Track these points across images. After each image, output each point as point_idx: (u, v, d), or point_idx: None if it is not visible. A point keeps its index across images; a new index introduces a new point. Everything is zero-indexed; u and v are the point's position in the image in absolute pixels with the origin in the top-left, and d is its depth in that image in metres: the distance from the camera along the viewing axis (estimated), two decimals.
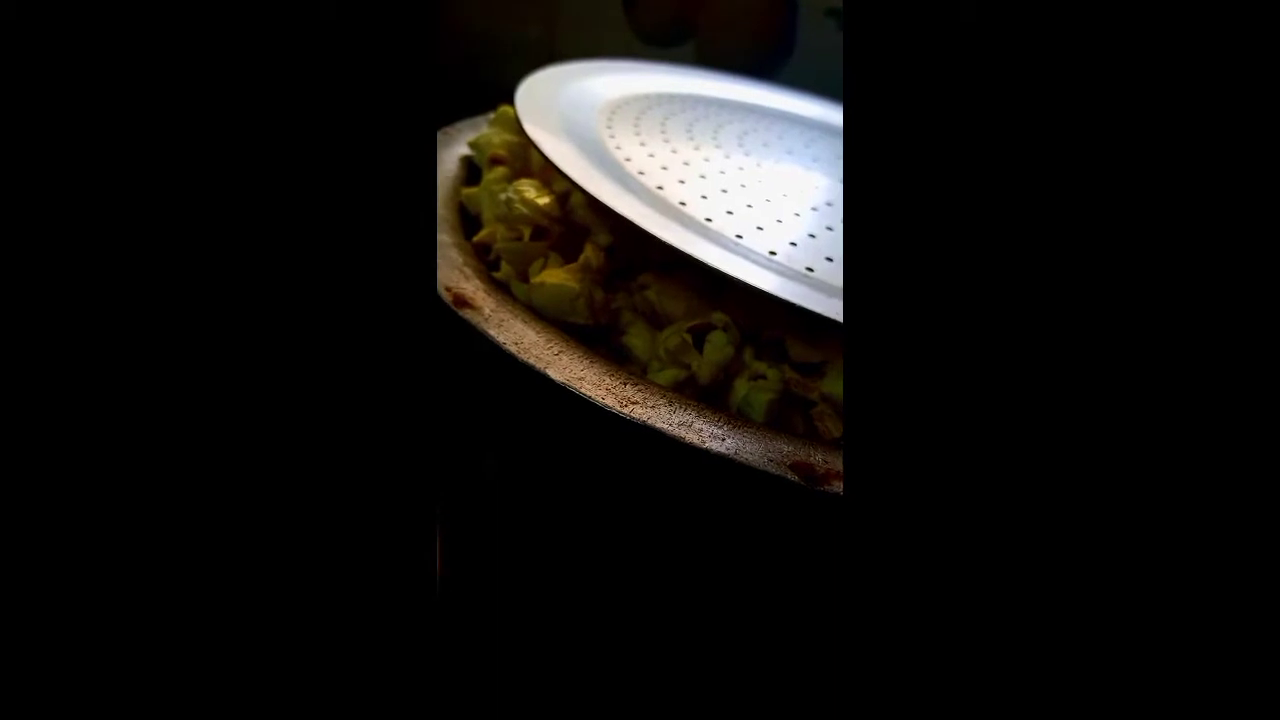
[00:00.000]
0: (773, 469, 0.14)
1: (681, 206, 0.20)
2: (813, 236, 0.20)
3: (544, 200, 0.20)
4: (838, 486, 0.14)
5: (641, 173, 0.21)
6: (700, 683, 0.18)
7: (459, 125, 0.29)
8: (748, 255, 0.18)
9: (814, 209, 0.22)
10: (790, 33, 0.45)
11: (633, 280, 0.21)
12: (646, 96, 0.29)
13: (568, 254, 0.20)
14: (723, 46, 0.44)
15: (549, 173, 0.23)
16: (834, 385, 0.17)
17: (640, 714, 0.19)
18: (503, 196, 0.20)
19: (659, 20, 0.43)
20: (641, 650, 0.18)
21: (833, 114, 0.36)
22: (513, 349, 0.16)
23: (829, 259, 0.19)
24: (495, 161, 0.25)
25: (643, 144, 0.24)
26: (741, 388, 0.17)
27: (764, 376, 0.17)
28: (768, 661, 0.17)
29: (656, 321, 0.20)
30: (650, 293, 0.20)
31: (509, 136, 0.26)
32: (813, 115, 0.35)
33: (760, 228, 0.20)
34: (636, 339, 0.19)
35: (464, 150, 0.27)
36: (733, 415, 0.16)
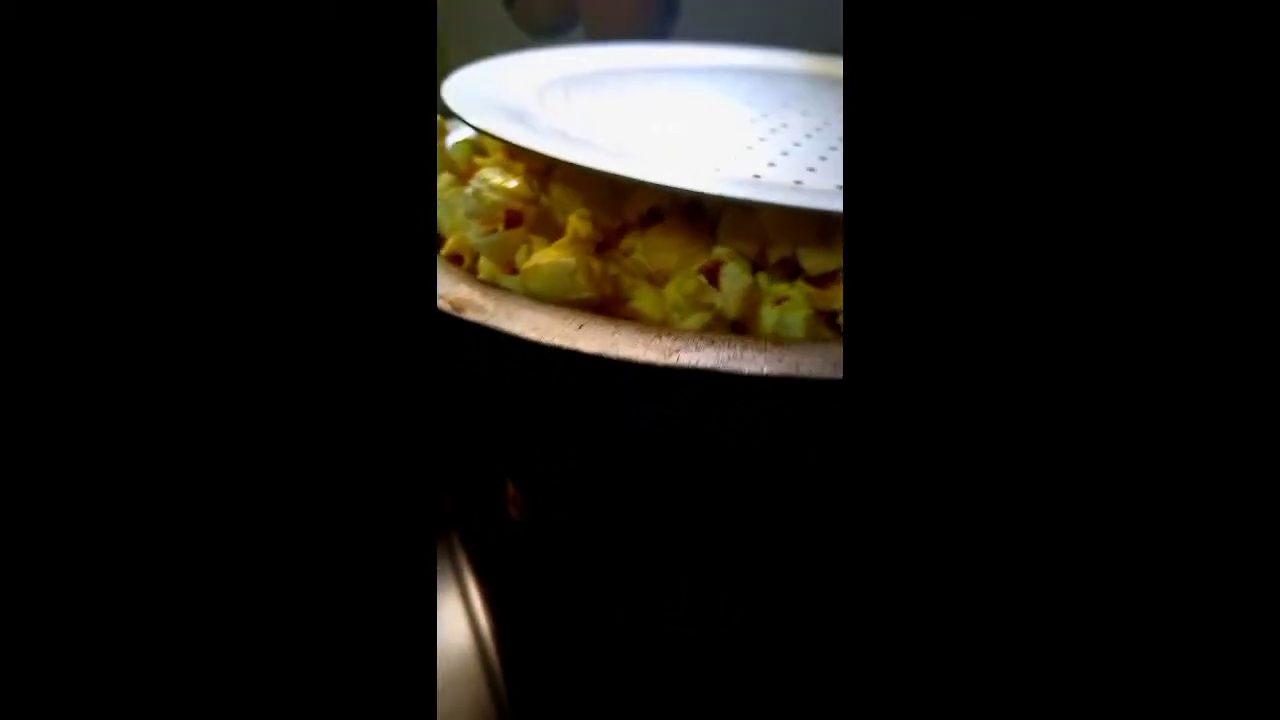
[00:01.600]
0: (840, 374, 0.14)
1: (649, 156, 0.19)
2: (785, 154, 0.20)
3: (513, 183, 0.19)
4: None
5: (596, 136, 0.21)
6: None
7: None
8: (735, 182, 0.18)
9: (772, 132, 0.22)
10: None
11: (615, 250, 0.20)
12: (572, 76, 0.28)
13: (548, 236, 0.19)
14: (610, 24, 0.44)
15: (506, 159, 0.22)
16: None
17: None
18: (470, 190, 0.19)
19: (542, 12, 0.43)
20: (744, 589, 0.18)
21: (741, 56, 0.36)
22: (533, 335, 0.15)
23: (810, 169, 0.19)
24: None
25: (587, 113, 0.23)
26: (770, 314, 0.17)
27: (788, 297, 0.17)
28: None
29: (655, 282, 0.19)
30: (638, 254, 0.20)
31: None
32: (730, 62, 0.35)
33: (735, 158, 0.20)
34: (644, 300, 0.18)
35: None
36: (773, 340, 0.16)
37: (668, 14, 0.45)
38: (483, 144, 0.25)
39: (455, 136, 0.26)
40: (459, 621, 0.32)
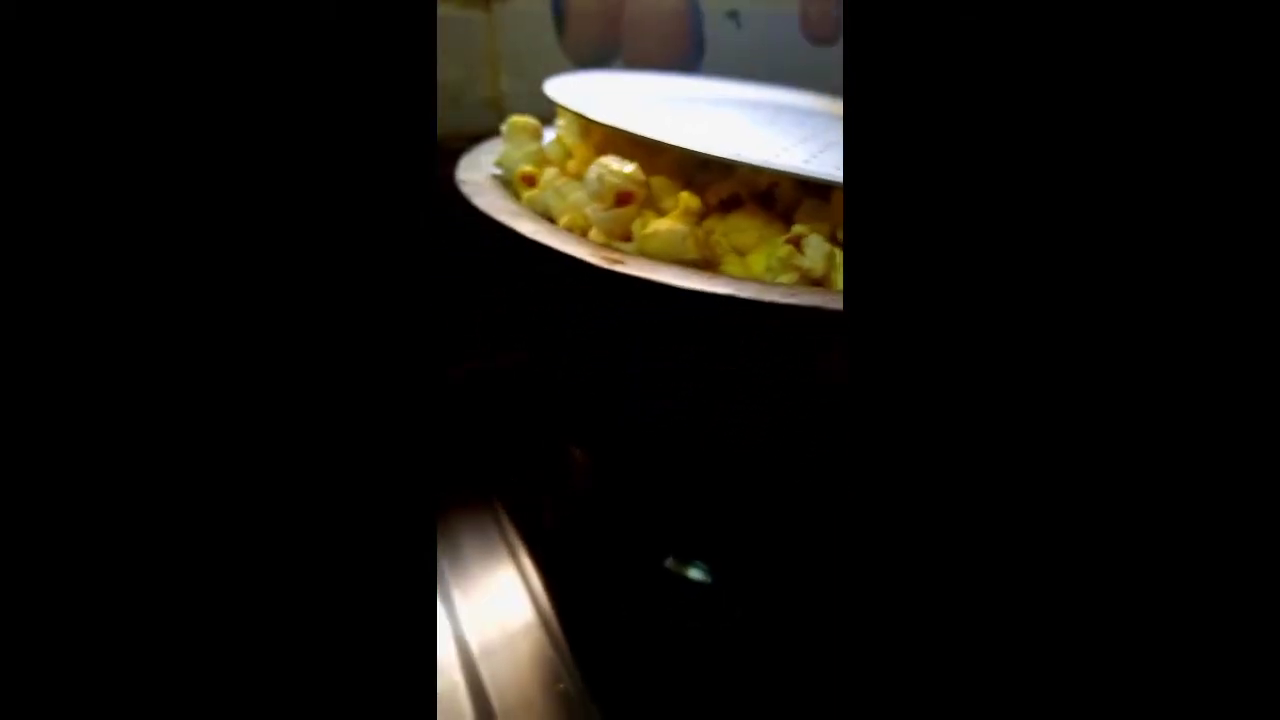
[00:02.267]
0: None
1: (743, 151, 0.24)
2: (840, 165, 0.25)
3: (629, 168, 0.23)
4: None
5: (686, 137, 0.25)
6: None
7: (472, 152, 0.31)
8: (822, 173, 0.22)
9: (829, 147, 0.27)
10: (699, 37, 0.51)
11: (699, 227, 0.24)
12: (643, 91, 0.32)
13: (655, 212, 0.23)
14: (644, 59, 0.49)
15: (606, 151, 0.26)
16: None
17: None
18: (594, 174, 0.23)
19: (588, 44, 0.48)
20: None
21: (764, 93, 0.42)
22: (702, 286, 0.19)
23: None
24: (525, 179, 0.27)
25: (671, 120, 0.28)
26: (839, 278, 0.21)
27: None
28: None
29: (739, 254, 0.23)
30: (717, 234, 0.24)
31: (529, 147, 0.29)
32: (757, 97, 0.40)
33: (806, 161, 0.24)
34: (732, 267, 0.23)
35: (492, 170, 0.30)
36: None
37: (695, 56, 0.51)
38: (571, 144, 0.29)
39: (549, 136, 0.30)
40: (512, 579, 0.34)
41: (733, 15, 0.52)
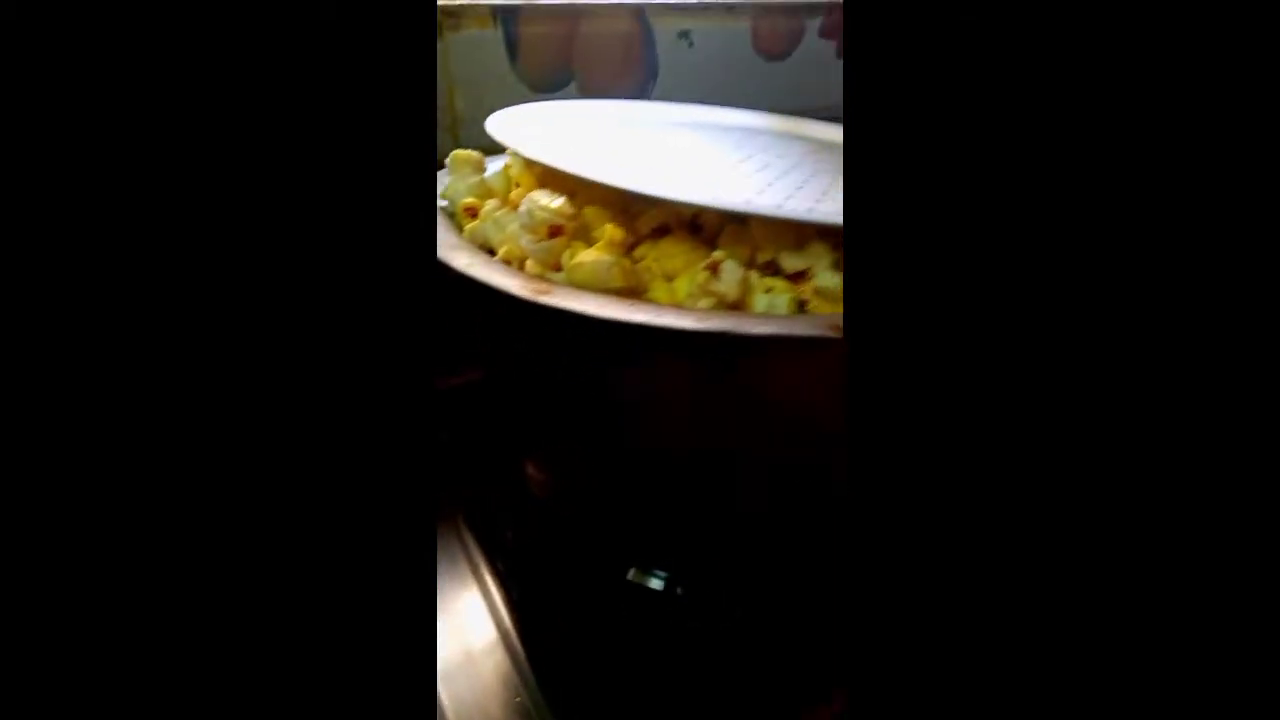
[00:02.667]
0: (821, 332, 0.19)
1: (667, 184, 0.25)
2: (770, 185, 0.26)
3: (557, 202, 0.24)
4: None
5: (619, 168, 0.26)
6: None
7: None
8: (737, 203, 0.24)
9: (764, 168, 0.28)
10: (652, 58, 0.52)
11: (632, 255, 0.25)
12: (588, 122, 0.34)
13: (585, 243, 0.25)
14: (599, 82, 0.51)
15: (546, 183, 0.27)
16: (822, 280, 0.23)
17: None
18: (523, 209, 0.24)
19: (541, 69, 0.49)
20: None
21: (717, 115, 0.43)
22: (594, 311, 0.20)
23: (789, 197, 0.25)
24: (468, 211, 0.28)
25: (606, 151, 0.29)
26: (761, 300, 0.22)
27: (773, 287, 0.23)
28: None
29: (666, 279, 0.24)
30: (649, 260, 0.25)
31: (472, 179, 0.30)
32: (708, 119, 0.41)
33: (730, 188, 0.25)
34: (659, 292, 0.24)
35: (438, 202, 0.31)
36: (766, 315, 0.21)
37: (649, 77, 0.52)
38: (516, 175, 0.30)
39: (493, 168, 0.31)
40: (476, 602, 0.35)
41: (684, 35, 0.53)
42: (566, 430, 0.26)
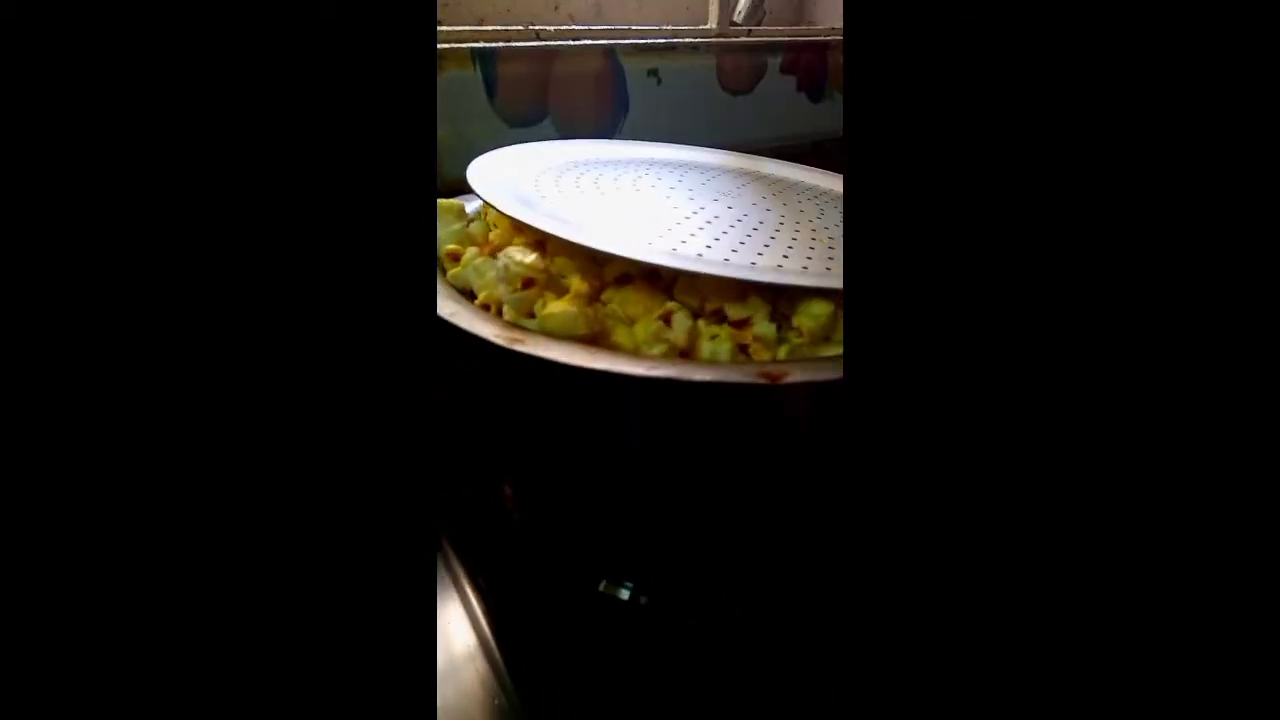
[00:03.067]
0: (749, 379, 0.23)
1: (629, 237, 0.28)
2: (717, 239, 0.29)
3: (531, 259, 0.27)
4: (788, 379, 0.23)
5: (584, 218, 0.29)
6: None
7: None
8: (686, 258, 0.27)
9: (714, 220, 0.32)
10: (623, 96, 0.55)
11: (598, 301, 0.28)
12: (558, 165, 0.37)
13: (556, 292, 0.28)
14: (572, 117, 0.54)
15: (522, 236, 0.30)
16: (759, 329, 0.26)
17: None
18: (501, 263, 0.27)
19: (519, 105, 0.52)
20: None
21: (687, 154, 0.46)
22: (562, 358, 0.23)
23: (734, 250, 0.28)
24: (451, 256, 0.31)
25: (576, 197, 0.32)
26: (706, 347, 0.26)
27: (718, 335, 0.26)
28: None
29: (628, 324, 0.28)
30: (613, 305, 0.28)
31: (454, 226, 0.33)
32: (670, 157, 0.45)
33: (684, 240, 0.29)
34: (621, 336, 0.27)
35: None
36: (708, 362, 0.25)
37: (620, 112, 0.55)
38: (494, 221, 0.33)
39: (472, 207, 0.34)
40: (458, 613, 0.37)
41: (653, 73, 0.57)
42: (537, 457, 0.29)
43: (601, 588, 0.37)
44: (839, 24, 0.73)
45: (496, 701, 0.32)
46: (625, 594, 0.36)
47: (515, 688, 0.33)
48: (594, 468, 0.26)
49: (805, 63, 0.66)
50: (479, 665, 0.34)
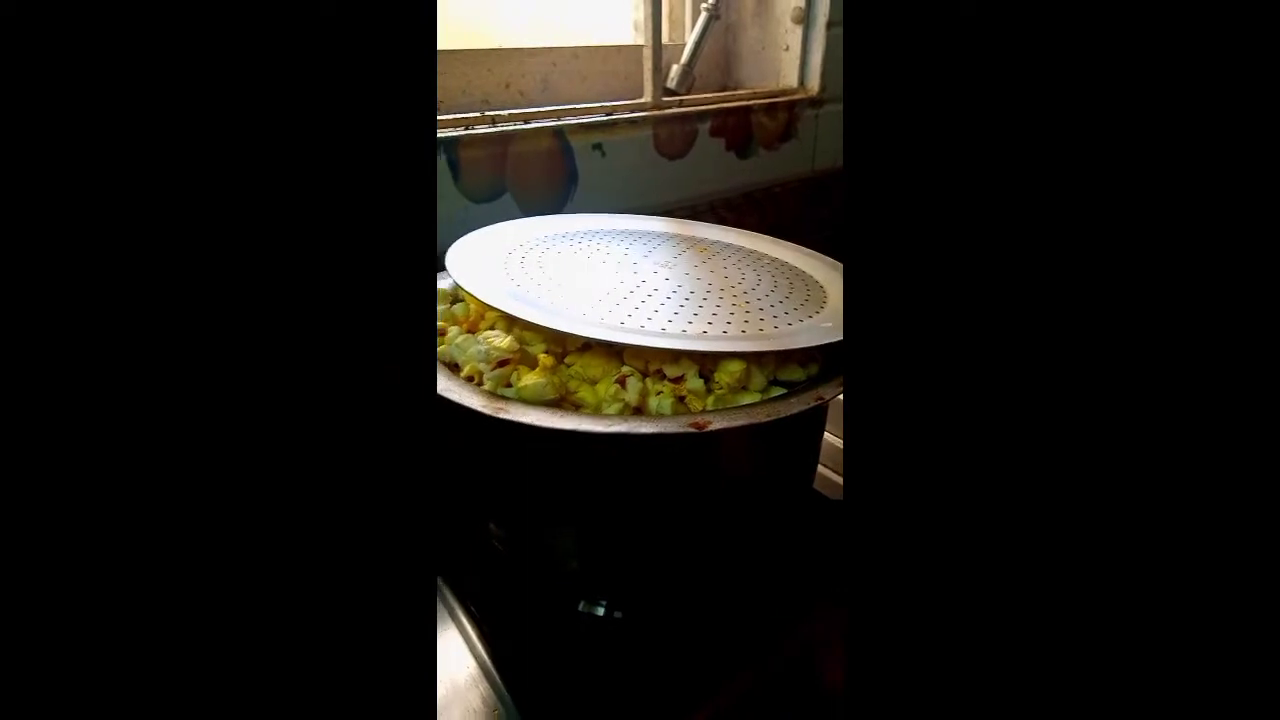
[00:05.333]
0: (682, 429, 0.29)
1: (583, 314, 0.35)
2: (656, 311, 0.36)
3: (505, 342, 0.34)
4: (711, 428, 0.30)
5: (543, 295, 0.36)
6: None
7: None
8: (633, 331, 0.34)
9: (654, 293, 0.38)
10: (572, 169, 0.63)
11: (562, 364, 0.35)
12: (523, 243, 0.44)
13: (528, 365, 0.34)
14: (527, 191, 0.61)
15: (498, 318, 0.36)
16: (691, 384, 0.33)
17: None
18: (482, 347, 0.33)
19: (480, 184, 0.58)
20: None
21: (631, 223, 0.53)
22: (535, 421, 0.30)
23: (670, 320, 0.35)
24: (439, 332, 0.38)
25: (536, 273, 0.39)
26: (653, 402, 0.32)
27: (661, 391, 0.33)
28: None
29: (590, 383, 0.34)
30: (576, 368, 0.35)
31: (441, 307, 0.39)
32: (617, 227, 0.52)
33: (629, 315, 0.36)
34: (584, 394, 0.33)
35: None
36: (653, 416, 0.31)
37: (571, 184, 0.63)
38: (470, 301, 0.40)
39: (449, 284, 0.40)
40: (456, 641, 0.43)
41: (598, 147, 0.64)
42: (520, 500, 0.35)
43: (581, 607, 0.43)
44: (760, 86, 0.83)
45: (498, 711, 0.38)
46: (601, 611, 0.42)
47: (514, 704, 0.38)
48: (566, 507, 0.32)
49: (731, 125, 0.74)
50: (482, 689, 0.40)
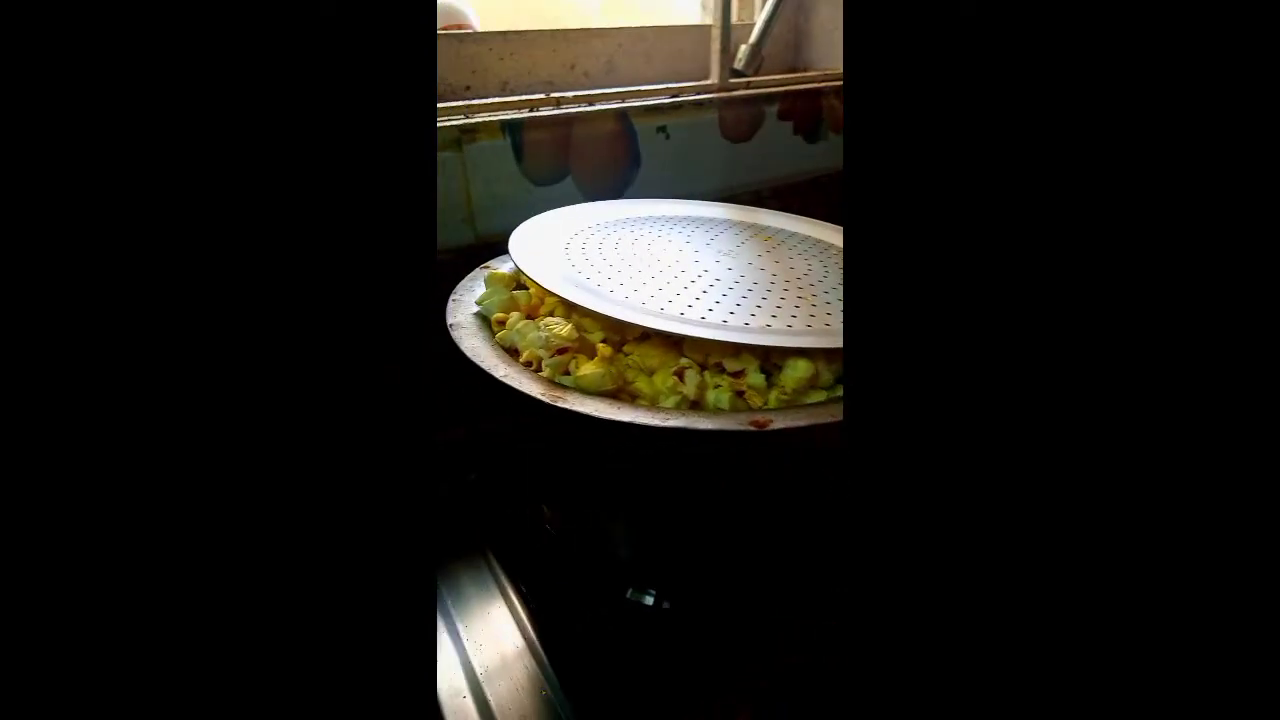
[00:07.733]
0: (742, 426, 0.28)
1: (643, 304, 0.34)
2: (718, 302, 0.35)
3: (565, 330, 0.33)
4: (772, 427, 0.29)
5: (605, 283, 0.36)
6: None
7: (459, 288, 0.42)
8: (694, 323, 0.33)
9: (715, 283, 0.38)
10: (635, 152, 0.62)
11: (620, 354, 0.35)
12: (583, 229, 0.43)
13: (587, 353, 0.34)
14: (590, 174, 0.60)
15: (557, 304, 0.36)
16: (752, 379, 0.32)
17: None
18: (542, 334, 0.33)
19: (542, 167, 0.58)
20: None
21: (693, 209, 0.52)
22: (594, 412, 0.29)
23: (731, 313, 0.34)
24: (498, 320, 0.38)
25: (600, 264, 0.38)
26: (711, 396, 0.32)
27: (720, 385, 0.32)
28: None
29: (647, 374, 0.34)
30: (634, 357, 0.34)
31: (502, 296, 0.40)
32: (679, 214, 0.51)
33: (689, 305, 0.35)
34: (641, 385, 0.33)
35: (473, 309, 0.40)
36: (711, 411, 0.31)
37: (633, 167, 0.62)
38: (533, 288, 0.40)
39: (510, 267, 0.40)
40: (505, 615, 0.44)
41: (662, 129, 0.63)
42: (573, 487, 0.35)
43: (629, 594, 0.43)
44: (831, 68, 0.79)
45: (544, 693, 0.39)
46: (650, 600, 0.42)
47: (559, 682, 0.39)
48: (620, 496, 0.32)
49: (800, 108, 0.72)
50: (527, 662, 0.41)
